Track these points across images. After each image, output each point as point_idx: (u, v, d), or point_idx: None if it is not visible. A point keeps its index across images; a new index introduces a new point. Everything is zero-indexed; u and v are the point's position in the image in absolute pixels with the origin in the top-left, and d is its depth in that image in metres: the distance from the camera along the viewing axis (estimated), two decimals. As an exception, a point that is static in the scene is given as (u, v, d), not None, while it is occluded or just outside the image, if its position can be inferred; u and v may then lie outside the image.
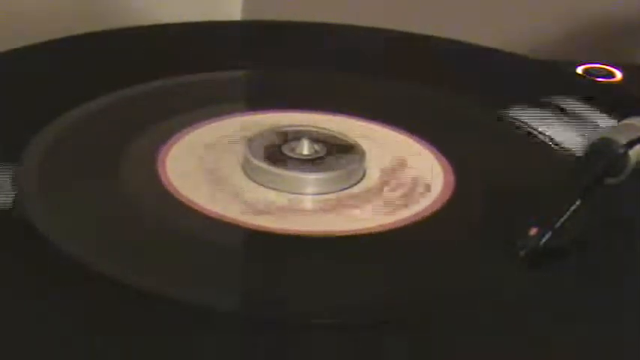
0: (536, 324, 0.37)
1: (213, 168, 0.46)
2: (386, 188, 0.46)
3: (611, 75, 0.61)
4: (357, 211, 0.44)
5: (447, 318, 0.38)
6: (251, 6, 0.75)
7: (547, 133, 0.51)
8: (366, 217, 0.43)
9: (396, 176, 0.47)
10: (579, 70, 0.61)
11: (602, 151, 0.43)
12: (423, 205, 0.44)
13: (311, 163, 0.46)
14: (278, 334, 0.36)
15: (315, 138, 0.47)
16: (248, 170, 0.46)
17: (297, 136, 0.47)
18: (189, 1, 0.72)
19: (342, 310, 0.38)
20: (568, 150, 0.49)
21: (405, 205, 0.44)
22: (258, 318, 0.37)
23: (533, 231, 0.40)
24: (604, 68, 0.62)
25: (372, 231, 0.42)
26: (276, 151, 0.46)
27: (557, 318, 0.38)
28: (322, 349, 0.36)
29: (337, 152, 0.46)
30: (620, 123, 0.45)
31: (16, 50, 0.53)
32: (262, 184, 0.45)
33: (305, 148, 0.46)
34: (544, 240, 0.40)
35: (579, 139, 0.49)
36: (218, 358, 0.35)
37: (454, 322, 0.37)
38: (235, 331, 0.36)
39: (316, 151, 0.46)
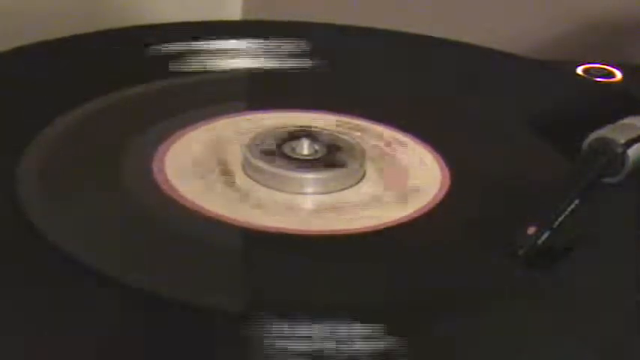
0: (535, 323, 0.37)
1: (213, 168, 0.46)
2: (386, 188, 0.46)
3: (611, 75, 0.61)
4: (356, 211, 0.44)
5: (445, 318, 0.38)
6: (251, 6, 0.76)
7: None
8: (366, 216, 0.43)
9: (395, 176, 0.47)
10: (579, 70, 0.61)
11: (600, 150, 0.43)
12: (421, 204, 0.44)
13: (311, 163, 0.46)
14: (277, 334, 0.36)
15: (315, 138, 0.47)
16: (248, 170, 0.46)
17: (297, 136, 0.47)
18: (189, 1, 0.72)
19: (342, 310, 0.38)
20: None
21: (405, 205, 0.44)
22: (258, 318, 0.37)
23: (531, 230, 0.40)
24: (604, 68, 0.62)
25: (372, 230, 0.43)
26: (276, 151, 0.46)
27: (556, 317, 0.38)
28: (322, 349, 0.36)
29: (337, 152, 0.46)
30: (619, 122, 0.45)
31: (16, 50, 0.53)
32: (262, 184, 0.45)
33: (305, 148, 0.46)
34: (542, 239, 0.40)
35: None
36: (218, 358, 0.35)
37: (453, 321, 0.37)
38: (235, 331, 0.36)
39: (316, 151, 0.46)
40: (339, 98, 0.54)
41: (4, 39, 0.54)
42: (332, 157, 0.46)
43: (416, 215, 0.44)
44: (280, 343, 0.35)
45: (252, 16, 0.74)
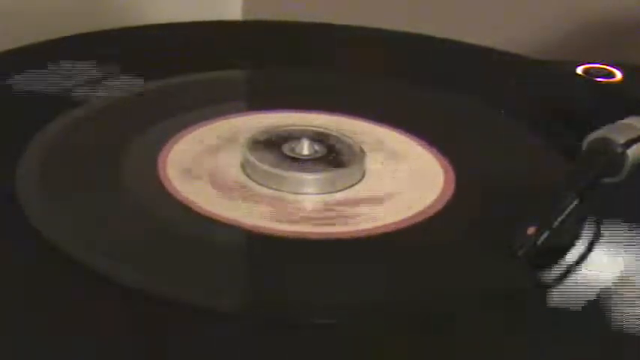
0: (535, 323, 0.37)
1: (213, 168, 0.46)
2: (385, 188, 0.46)
3: (611, 75, 0.61)
4: (356, 212, 0.44)
5: (445, 318, 0.38)
6: (251, 6, 0.76)
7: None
8: (366, 217, 0.43)
9: (396, 176, 0.47)
10: (579, 70, 0.61)
11: (600, 150, 0.43)
12: (422, 205, 0.44)
13: (311, 163, 0.46)
14: (278, 334, 0.36)
15: (315, 138, 0.47)
16: (248, 170, 0.46)
17: (297, 136, 0.47)
18: (189, 1, 0.72)
19: (342, 311, 0.38)
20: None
21: (405, 206, 0.44)
22: (258, 318, 0.37)
23: (530, 230, 0.40)
24: (604, 68, 0.62)
25: (372, 232, 0.43)
26: (276, 151, 0.46)
27: (555, 317, 0.38)
28: (322, 349, 0.36)
29: (337, 152, 0.46)
30: (619, 122, 0.45)
31: (16, 50, 0.53)
32: (262, 184, 0.45)
33: (305, 148, 0.46)
34: (542, 239, 0.40)
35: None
36: (218, 358, 0.35)
37: (452, 322, 0.37)
38: (235, 331, 0.36)
39: (316, 151, 0.46)
40: (339, 98, 0.54)
41: (4, 39, 0.54)
42: (332, 157, 0.46)
43: (417, 217, 0.44)
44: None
45: (252, 16, 0.74)
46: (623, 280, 0.40)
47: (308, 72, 0.57)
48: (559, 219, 0.40)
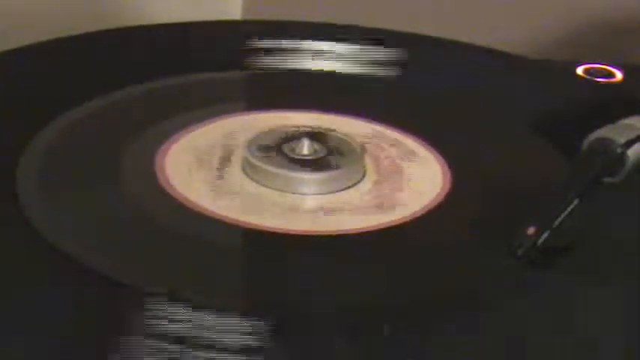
0: (535, 323, 0.37)
1: (213, 168, 0.46)
2: (385, 188, 0.46)
3: (611, 75, 0.61)
4: (357, 212, 0.44)
5: (445, 318, 0.38)
6: (251, 6, 0.76)
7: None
8: (365, 216, 0.43)
9: (395, 176, 0.47)
10: (579, 70, 0.61)
11: (600, 150, 0.43)
12: (421, 204, 0.44)
13: (311, 163, 0.46)
14: (278, 334, 0.36)
15: (315, 138, 0.47)
16: (248, 170, 0.46)
17: (297, 136, 0.47)
18: (189, 1, 0.72)
19: (342, 310, 0.38)
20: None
21: (404, 205, 0.44)
22: (258, 318, 0.37)
23: (530, 230, 0.40)
24: (604, 68, 0.62)
25: (371, 230, 0.43)
26: (276, 151, 0.46)
27: (556, 317, 0.38)
28: (322, 349, 0.36)
29: (337, 152, 0.46)
30: (619, 122, 0.45)
31: (16, 50, 0.53)
32: (262, 184, 0.45)
33: (305, 148, 0.46)
34: (542, 239, 0.40)
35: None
36: (218, 358, 0.35)
37: (452, 322, 0.37)
38: (236, 332, 0.36)
39: (316, 151, 0.46)
40: (339, 98, 0.54)
41: (4, 39, 0.54)
42: (332, 157, 0.46)
43: (416, 215, 0.44)
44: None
45: (252, 16, 0.74)
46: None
47: (307, 72, 0.57)
48: (559, 219, 0.40)
